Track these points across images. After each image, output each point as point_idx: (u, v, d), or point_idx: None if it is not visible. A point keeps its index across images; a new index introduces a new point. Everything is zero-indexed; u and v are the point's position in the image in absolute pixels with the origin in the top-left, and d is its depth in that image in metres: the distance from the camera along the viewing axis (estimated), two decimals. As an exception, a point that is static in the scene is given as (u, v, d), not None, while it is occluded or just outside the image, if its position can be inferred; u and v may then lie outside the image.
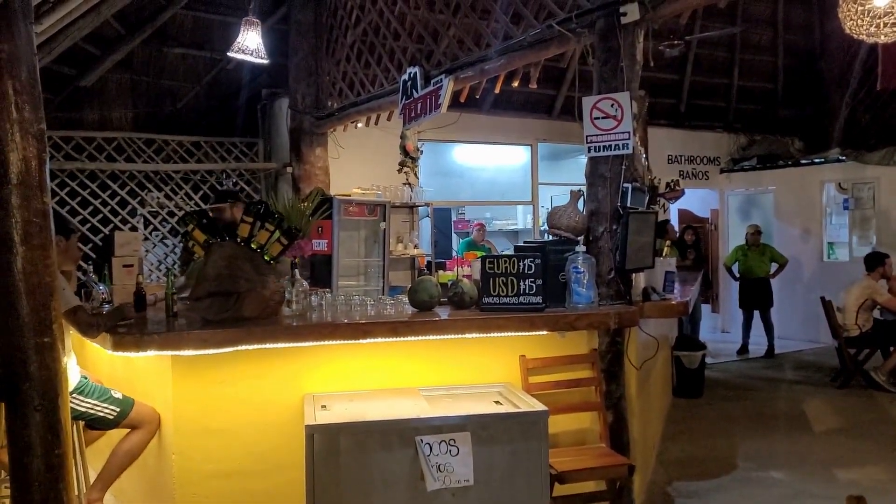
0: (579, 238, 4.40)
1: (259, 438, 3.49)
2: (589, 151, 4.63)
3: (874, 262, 7.76)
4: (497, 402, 3.68)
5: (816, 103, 12.68)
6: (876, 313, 7.86)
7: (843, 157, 10.30)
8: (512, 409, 3.55)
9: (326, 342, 3.50)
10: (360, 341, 3.58)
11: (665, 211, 11.14)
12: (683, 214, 11.64)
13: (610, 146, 4.56)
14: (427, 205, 8.55)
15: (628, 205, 4.49)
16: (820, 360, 9.31)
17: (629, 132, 4.52)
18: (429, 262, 8.20)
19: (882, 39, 5.07)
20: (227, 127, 8.82)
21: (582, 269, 4.20)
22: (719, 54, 12.19)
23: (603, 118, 4.59)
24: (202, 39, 8.65)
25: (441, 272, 5.01)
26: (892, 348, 7.67)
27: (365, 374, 3.76)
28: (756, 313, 9.85)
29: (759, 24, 12.34)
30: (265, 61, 6.56)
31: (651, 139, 9.70)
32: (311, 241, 4.29)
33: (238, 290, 3.50)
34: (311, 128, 8.06)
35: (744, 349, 9.90)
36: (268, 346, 3.39)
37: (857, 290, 7.70)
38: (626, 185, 4.55)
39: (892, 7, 4.84)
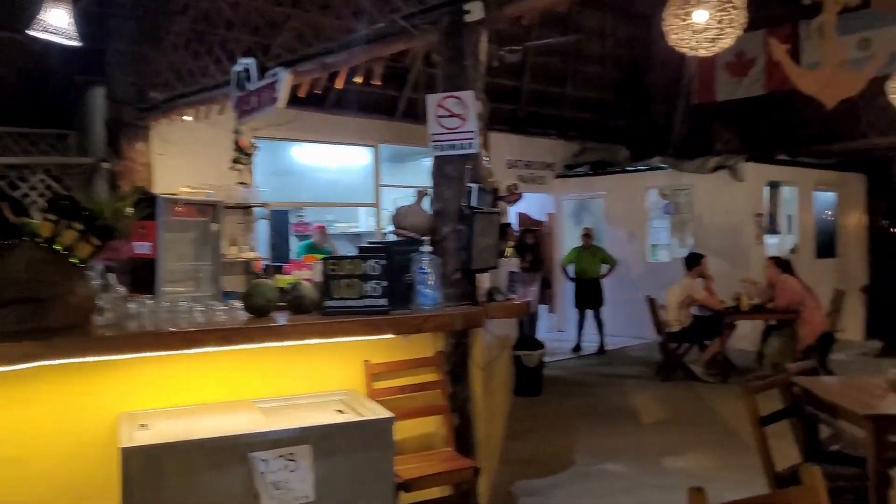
0: (425, 238, 4.29)
1: (67, 467, 3.06)
2: (434, 150, 4.53)
3: (692, 262, 8.33)
4: (340, 411, 3.48)
5: (642, 114, 13.53)
6: (695, 309, 8.42)
7: (664, 166, 11.02)
8: (355, 418, 3.35)
9: (147, 353, 3.13)
10: (188, 351, 3.23)
11: (505, 214, 11.40)
12: (522, 218, 11.96)
13: (455, 145, 4.49)
14: (264, 206, 8.15)
15: (474, 205, 4.45)
16: (646, 354, 9.87)
17: (474, 131, 4.48)
18: (266, 266, 7.80)
19: (702, 53, 5.38)
20: (36, 116, 7.93)
21: (428, 270, 4.08)
22: (555, 64, 12.68)
23: (448, 117, 4.51)
24: (6, 18, 7.72)
25: (279, 276, 4.72)
26: (707, 342, 8.24)
27: (193, 388, 3.41)
28: (589, 312, 10.28)
29: (592, 37, 12.98)
30: (77, 43, 5.91)
31: (491, 143, 9.87)
32: (130, 244, 3.86)
33: (41, 297, 3.05)
34: (133, 120, 7.43)
35: (578, 347, 10.31)
36: (76, 360, 2.97)
37: (678, 288, 8.22)
38: (471, 185, 4.50)
39: (710, 23, 5.16)
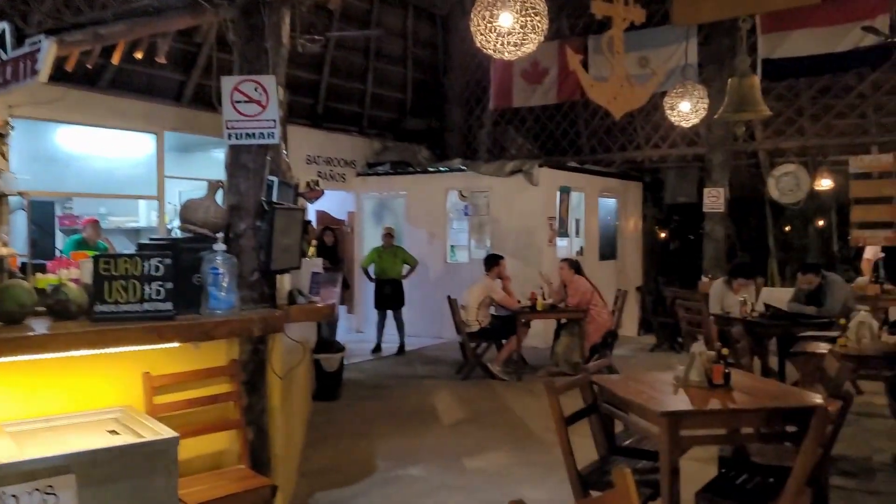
0: (218, 235, 3.87)
1: None
2: (229, 139, 4.12)
3: (491, 263, 8.51)
4: (113, 432, 3.00)
5: (441, 116, 13.72)
6: (493, 309, 8.60)
7: (464, 168, 11.22)
8: (132, 440, 2.90)
9: None
10: None
11: (305, 212, 10.98)
12: (322, 216, 11.62)
13: (254, 133, 4.11)
14: (21, 195, 7.09)
15: (274, 199, 4.10)
16: (445, 354, 9.97)
17: (275, 120, 4.12)
18: (23, 264, 6.78)
19: (506, 56, 5.43)
20: None
21: (221, 270, 3.68)
22: (355, 60, 12.47)
23: (246, 102, 4.12)
24: None
25: (39, 275, 4.04)
26: (504, 341, 8.46)
27: (-83, 414, 2.76)
28: (389, 313, 10.19)
29: (393, 35, 12.94)
30: None
31: (290, 137, 9.43)
32: None
33: None
34: None
35: (378, 348, 10.17)
36: None
37: (478, 288, 8.35)
38: (271, 178, 4.14)
39: (514, 28, 5.21)
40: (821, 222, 13.00)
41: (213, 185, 4.08)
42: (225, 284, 3.67)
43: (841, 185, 11.36)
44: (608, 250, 12.03)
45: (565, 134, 12.68)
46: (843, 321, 5.09)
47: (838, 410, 3.13)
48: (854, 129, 10.76)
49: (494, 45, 5.35)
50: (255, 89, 4.08)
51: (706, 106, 8.48)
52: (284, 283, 4.27)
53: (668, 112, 8.68)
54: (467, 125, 13.57)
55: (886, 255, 9.71)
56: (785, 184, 10.34)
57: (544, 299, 8.52)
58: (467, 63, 13.40)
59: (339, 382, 7.56)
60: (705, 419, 3.45)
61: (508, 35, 5.28)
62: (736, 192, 11.16)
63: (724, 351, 3.83)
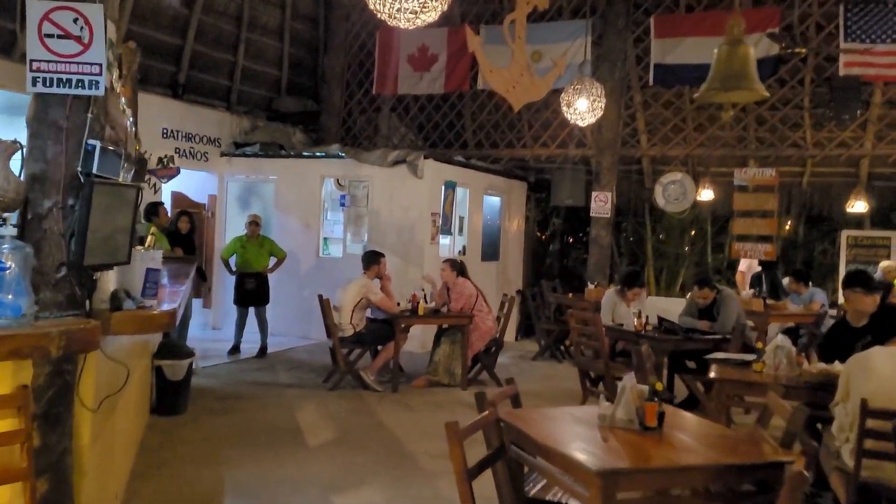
0: (7, 215, 2.82)
1: None
2: (34, 84, 3.08)
3: (369, 260, 7.65)
4: None
5: (319, 97, 12.68)
6: (369, 312, 7.77)
7: (343, 155, 10.29)
8: None
9: None
10: None
11: (157, 192, 9.67)
12: (178, 198, 10.32)
13: (70, 81, 3.09)
14: None
15: (94, 171, 3.08)
16: (312, 358, 9.04)
17: (101, 64, 3.11)
18: None
19: (402, 24, 4.63)
20: None
21: (8, 264, 2.66)
22: (226, 27, 11.23)
23: (60, 38, 3.09)
24: None
25: None
26: (380, 347, 7.65)
27: None
28: (251, 310, 9.13)
29: (269, 4, 11.78)
30: None
31: (142, 106, 8.15)
32: None
33: None
34: None
35: (236, 349, 9.08)
36: None
37: (354, 288, 7.48)
38: (92, 142, 3.12)
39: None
40: (693, 232, 13.12)
41: (8, 148, 3.01)
42: (13, 284, 2.65)
43: (720, 196, 11.39)
44: (490, 251, 11.47)
45: (451, 127, 12.00)
46: (759, 344, 4.67)
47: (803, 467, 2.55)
48: (736, 141, 10.76)
49: (390, 11, 4.53)
50: (76, 21, 3.06)
51: (603, 105, 8.04)
52: (107, 281, 3.26)
53: (565, 110, 8.18)
54: (347, 110, 12.61)
55: (765, 268, 9.71)
56: (672, 192, 10.17)
57: (427, 302, 7.78)
58: (350, 42, 12.45)
59: (186, 393, 6.47)
60: (648, 479, 2.79)
61: (406, 1, 4.50)
62: (617, 198, 10.90)
63: (658, 386, 3.20)
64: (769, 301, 8.56)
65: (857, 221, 11.90)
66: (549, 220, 13.83)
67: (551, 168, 11.54)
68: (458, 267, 8.06)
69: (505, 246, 11.80)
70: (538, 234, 13.42)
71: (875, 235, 11.28)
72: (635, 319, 6.81)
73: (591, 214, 10.43)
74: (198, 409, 6.51)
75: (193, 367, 6.59)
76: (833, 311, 8.76)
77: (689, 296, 7.22)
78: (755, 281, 9.55)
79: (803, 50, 8.90)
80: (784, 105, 10.15)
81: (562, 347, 9.77)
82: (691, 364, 6.88)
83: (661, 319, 6.90)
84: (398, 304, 7.76)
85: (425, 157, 9.70)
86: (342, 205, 10.41)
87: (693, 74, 9.94)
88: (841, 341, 4.87)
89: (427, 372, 7.86)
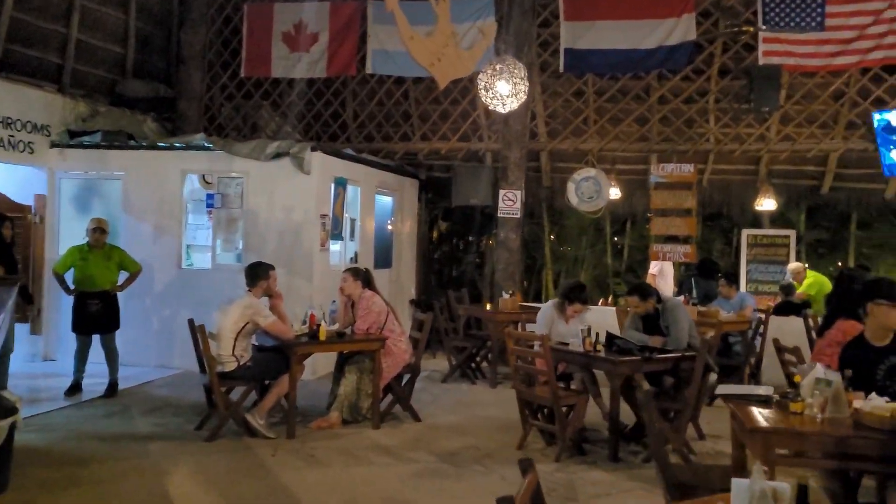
0: None
1: None
2: None
3: (257, 274, 6.10)
4: None
5: (174, 81, 10.82)
6: (255, 338, 6.24)
7: (210, 145, 8.60)
8: None
9: None
10: None
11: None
12: (-6, 198, 8.23)
13: None
14: None
15: None
16: (176, 393, 7.36)
17: None
18: None
19: None
20: None
21: None
22: (56, -9, 9.18)
23: None
24: None
25: None
26: (268, 382, 6.14)
27: None
28: (96, 338, 7.30)
29: (111, -31, 9.83)
30: None
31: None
32: None
33: None
34: None
35: (76, 387, 7.24)
36: None
37: (237, 311, 5.92)
38: None
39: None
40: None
41: None
42: None
43: (623, 195, 10.73)
44: (383, 257, 10.15)
45: (336, 117, 10.55)
46: (797, 377, 3.69)
47: None
48: (646, 135, 10.08)
49: None
50: None
51: (526, 89, 6.99)
52: None
53: (482, 94, 7.06)
54: (210, 96, 10.84)
55: (701, 273, 9.03)
56: (585, 189, 9.31)
57: (328, 324, 6.36)
58: (212, 16, 10.69)
59: (8, 463, 4.70)
60: None
61: None
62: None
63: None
64: (701, 308, 7.84)
65: (754, 220, 11.65)
66: (436, 221, 12.67)
67: (453, 164, 10.39)
68: (363, 276, 6.70)
69: (398, 251, 10.52)
70: (431, 237, 12.24)
71: (774, 234, 11.03)
72: (581, 338, 5.76)
73: (499, 215, 9.38)
74: (25, 483, 4.76)
75: (16, 424, 4.81)
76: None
77: (628, 307, 6.26)
78: (685, 286, 8.84)
79: (750, 29, 8.29)
80: (699, 97, 9.55)
81: (472, 365, 8.63)
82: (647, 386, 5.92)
83: (610, 337, 5.89)
84: (292, 325, 6.28)
85: (312, 150, 8.23)
86: (209, 206, 8.71)
87: (606, 61, 9.17)
88: (859, 365, 4.01)
89: (329, 408, 6.43)
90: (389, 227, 10.48)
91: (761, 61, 8.69)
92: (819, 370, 3.57)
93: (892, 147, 8.43)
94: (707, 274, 9.13)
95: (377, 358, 6.30)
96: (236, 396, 6.04)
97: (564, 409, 5.60)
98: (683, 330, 5.94)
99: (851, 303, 5.63)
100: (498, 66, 6.87)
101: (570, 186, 9.44)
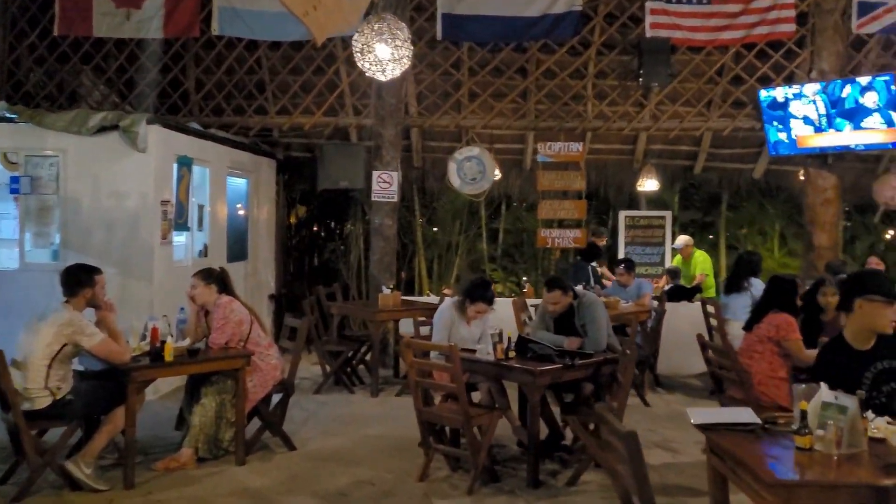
0: None
1: None
2: None
3: (78, 281, 4.68)
4: None
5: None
6: (79, 362, 4.85)
7: (14, 116, 6.91)
8: None
9: None
10: None
11: None
12: None
13: None
14: None
15: None
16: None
17: None
18: None
19: None
20: None
21: None
22: None
23: None
24: None
25: None
26: (102, 417, 4.79)
27: None
28: None
29: None
30: None
31: None
32: None
33: None
34: None
35: None
36: None
37: (50, 330, 4.51)
38: None
39: None
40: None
41: None
42: None
43: (503, 175, 10.02)
44: (238, 249, 8.81)
45: (176, 85, 9.01)
46: (803, 404, 2.97)
47: None
48: (514, 112, 9.34)
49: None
50: None
51: (410, 54, 6.01)
52: None
53: (358, 58, 5.98)
54: (13, 58, 8.95)
55: (586, 257, 8.44)
56: (468, 170, 8.45)
57: (175, 338, 5.08)
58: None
59: None
60: None
61: None
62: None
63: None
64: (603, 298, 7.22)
65: (630, 202, 11.36)
66: (294, 206, 11.39)
67: (317, 143, 9.17)
68: (217, 279, 5.46)
69: (255, 241, 9.19)
70: (290, 223, 10.97)
71: (651, 215, 10.75)
72: (492, 344, 4.89)
73: (373, 199, 8.32)
74: None
75: None
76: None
77: (548, 304, 5.46)
78: (578, 273, 8.21)
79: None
80: (586, 72, 8.93)
81: (348, 369, 7.57)
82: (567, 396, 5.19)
83: (523, 341, 5.06)
84: (128, 343, 4.93)
85: (149, 123, 6.77)
86: (14, 191, 7.01)
87: (487, 29, 8.34)
88: (842, 372, 3.42)
89: (181, 444, 5.17)
90: (243, 213, 9.12)
91: (648, 34, 8.21)
92: (825, 393, 2.87)
93: (777, 125, 8.21)
94: (592, 258, 8.60)
95: (241, 378, 5.11)
96: (55, 438, 4.65)
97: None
98: (603, 329, 5.24)
99: (784, 295, 5.17)
100: (377, 26, 5.81)
101: (451, 167, 8.56)
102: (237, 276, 8.63)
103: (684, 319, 7.63)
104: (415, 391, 4.81)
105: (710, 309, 7.06)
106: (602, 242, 9.13)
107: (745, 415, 3.16)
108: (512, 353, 4.90)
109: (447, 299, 5.42)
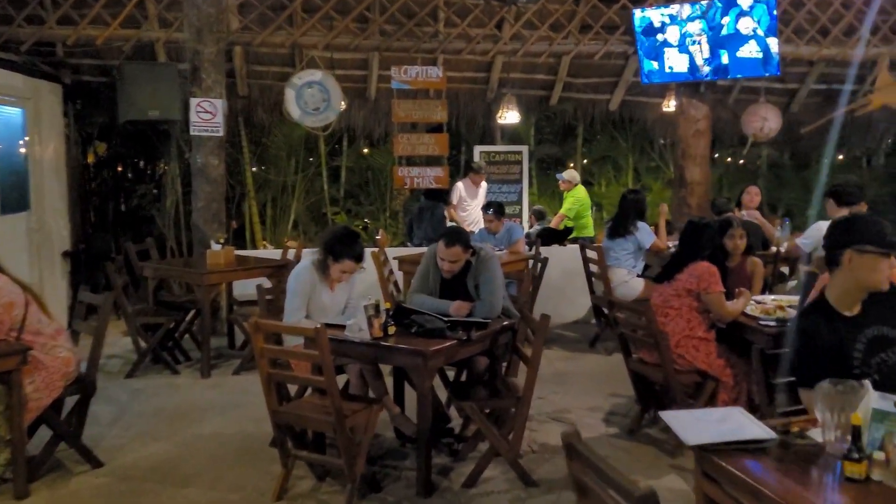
0: None
1: None
2: None
3: None
4: None
5: None
6: None
7: None
8: None
9: None
10: None
11: None
12: None
13: None
14: None
15: None
16: None
17: None
18: None
19: None
20: None
21: None
22: None
23: None
24: None
25: None
26: None
27: None
28: None
29: None
30: None
31: None
32: None
33: None
34: None
35: None
36: None
37: None
38: None
39: None
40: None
41: None
42: None
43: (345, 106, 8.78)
44: (15, 197, 6.95)
45: None
46: (855, 417, 2.14)
47: None
48: (361, 31, 8.08)
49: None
50: None
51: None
52: None
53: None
54: None
55: (429, 197, 7.38)
56: (310, 99, 7.09)
57: None
58: None
59: None
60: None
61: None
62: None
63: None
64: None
65: (484, 135, 10.52)
66: (91, 142, 9.41)
67: (114, 65, 7.35)
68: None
69: (38, 186, 7.30)
70: (87, 164, 9.04)
71: (507, 150, 10.00)
72: (367, 318, 3.79)
73: (193, 133, 6.76)
74: None
75: None
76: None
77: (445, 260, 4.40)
78: (434, 216, 7.22)
79: None
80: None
81: (170, 345, 6.15)
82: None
83: (402, 311, 4.00)
84: None
85: None
86: None
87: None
88: (828, 345, 2.70)
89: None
90: (23, 151, 7.21)
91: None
92: (877, 397, 2.08)
93: (651, 52, 7.58)
94: (440, 198, 7.66)
95: (15, 381, 3.65)
96: None
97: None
98: (499, 291, 4.30)
99: (703, 241, 4.49)
100: None
101: (289, 94, 7.14)
102: (17, 231, 6.87)
103: (554, 266, 6.92)
104: (267, 387, 3.62)
105: (592, 254, 6.37)
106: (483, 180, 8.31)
107: (747, 424, 2.32)
108: (392, 329, 3.84)
109: (305, 259, 4.23)
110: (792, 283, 6.00)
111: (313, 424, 3.67)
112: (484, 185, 8.57)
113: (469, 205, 8.32)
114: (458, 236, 4.24)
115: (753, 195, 6.81)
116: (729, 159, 10.92)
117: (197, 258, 6.29)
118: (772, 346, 3.97)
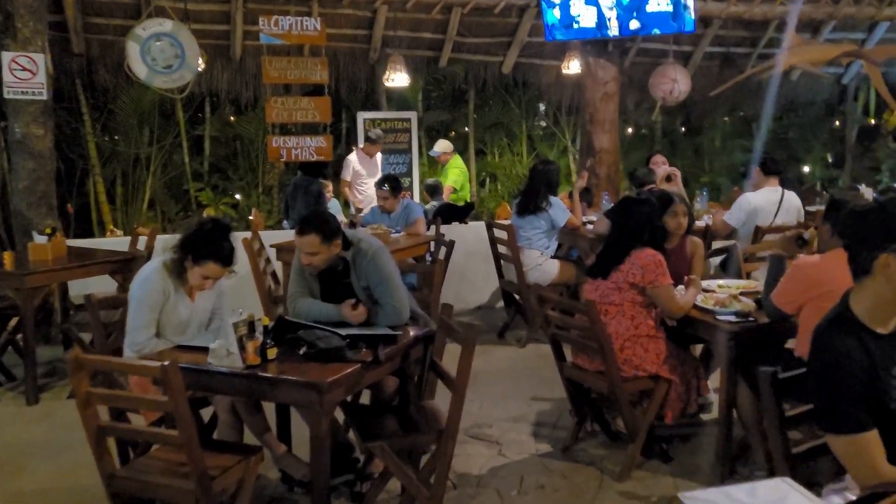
0: None
1: None
2: None
3: None
4: None
5: None
6: None
7: None
8: None
9: None
10: None
11: None
12: None
13: None
14: None
15: None
16: None
17: None
18: None
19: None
20: None
21: None
22: None
23: None
24: None
25: None
26: None
27: None
28: None
29: None
30: None
31: None
32: None
33: None
34: None
35: None
36: None
37: None
38: None
39: None
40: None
41: None
42: None
43: (206, 66, 7.61)
44: None
45: None
46: None
47: None
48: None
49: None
50: None
51: None
52: None
53: None
54: None
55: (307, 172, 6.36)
56: (160, 54, 5.84)
57: None
58: None
59: None
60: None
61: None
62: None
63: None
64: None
65: (366, 100, 9.54)
66: None
67: None
68: None
69: None
70: None
71: (396, 118, 9.08)
72: (237, 342, 2.82)
73: (6, 96, 5.38)
74: None
75: None
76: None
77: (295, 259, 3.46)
78: (308, 193, 6.22)
79: None
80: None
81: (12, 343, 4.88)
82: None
83: (284, 325, 3.06)
84: None
85: None
86: None
87: None
88: (865, 373, 2.04)
89: None
90: None
91: None
92: None
93: (553, 4, 6.82)
94: (318, 173, 6.66)
95: None
96: None
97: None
98: (400, 290, 3.42)
99: (640, 224, 3.78)
100: None
101: (133, 49, 5.84)
102: None
103: (456, 247, 6.12)
104: (96, 446, 2.59)
105: (500, 233, 5.61)
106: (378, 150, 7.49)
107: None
108: (272, 352, 2.89)
109: (154, 259, 3.19)
110: (715, 262, 5.49)
111: (167, 494, 2.67)
112: (379, 156, 7.71)
113: (366, 180, 7.41)
114: (313, 222, 3.27)
115: (661, 165, 6.27)
116: (630, 130, 10.47)
117: (19, 253, 5.01)
118: (734, 346, 3.37)
